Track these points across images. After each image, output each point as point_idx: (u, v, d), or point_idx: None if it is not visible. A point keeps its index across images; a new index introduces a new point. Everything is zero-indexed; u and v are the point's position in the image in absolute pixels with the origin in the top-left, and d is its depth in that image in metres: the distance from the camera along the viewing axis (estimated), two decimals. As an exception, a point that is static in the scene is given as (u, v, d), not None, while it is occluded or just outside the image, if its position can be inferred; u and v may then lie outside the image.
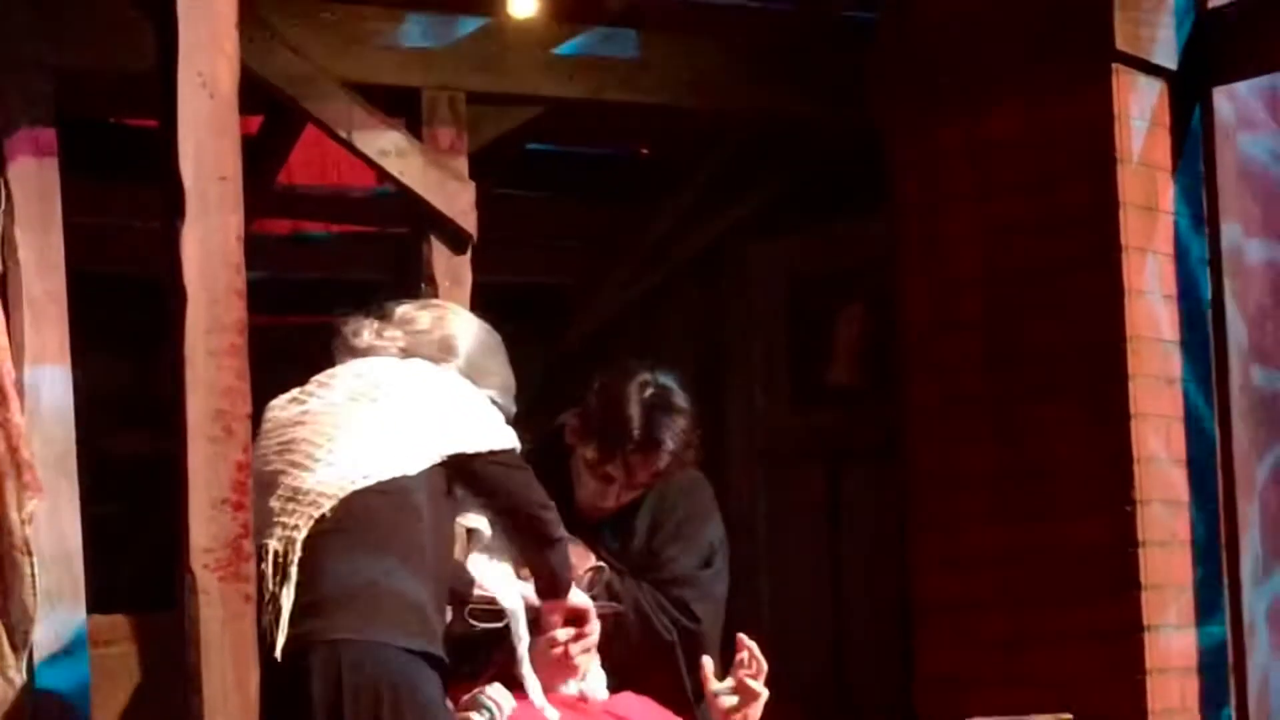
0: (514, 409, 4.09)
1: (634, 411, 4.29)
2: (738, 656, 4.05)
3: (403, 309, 4.11)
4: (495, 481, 3.90)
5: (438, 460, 3.81)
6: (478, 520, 4.01)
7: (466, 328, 4.11)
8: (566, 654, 4.03)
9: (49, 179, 4.50)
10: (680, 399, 4.36)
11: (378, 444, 3.77)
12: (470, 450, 3.85)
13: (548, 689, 4.01)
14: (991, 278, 5.07)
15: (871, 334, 6.07)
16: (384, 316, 4.07)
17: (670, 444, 4.30)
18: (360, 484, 3.71)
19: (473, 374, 4.02)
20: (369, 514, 3.70)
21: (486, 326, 4.16)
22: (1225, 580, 5.03)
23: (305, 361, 4.06)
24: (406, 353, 4.01)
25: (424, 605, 3.70)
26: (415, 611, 3.68)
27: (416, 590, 3.70)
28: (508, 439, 3.92)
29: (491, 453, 3.87)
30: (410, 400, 3.86)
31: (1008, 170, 5.04)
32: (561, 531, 3.96)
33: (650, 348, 6.15)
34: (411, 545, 3.73)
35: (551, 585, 3.99)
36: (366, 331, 4.04)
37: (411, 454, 3.78)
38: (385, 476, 3.73)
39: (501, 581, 4.00)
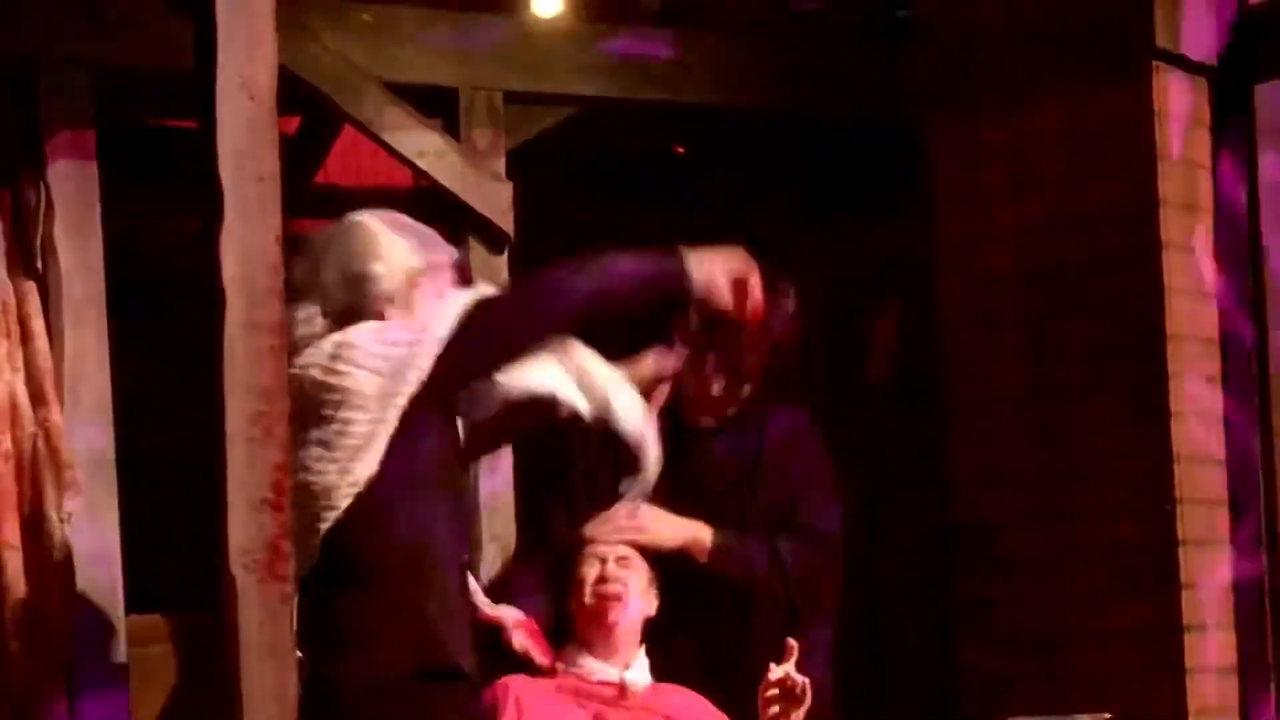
0: None
1: None
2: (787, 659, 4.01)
3: None
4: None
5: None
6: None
7: None
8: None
9: (89, 182, 4.52)
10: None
11: None
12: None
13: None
14: (1029, 276, 5.05)
15: (908, 332, 6.05)
16: None
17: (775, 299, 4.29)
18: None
19: None
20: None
21: None
22: (1267, 578, 5.01)
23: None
24: None
25: (454, 614, 3.72)
26: (443, 624, 3.69)
27: (447, 598, 3.72)
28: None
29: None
30: None
31: (1046, 168, 5.02)
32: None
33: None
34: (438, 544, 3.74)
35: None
36: None
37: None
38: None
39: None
